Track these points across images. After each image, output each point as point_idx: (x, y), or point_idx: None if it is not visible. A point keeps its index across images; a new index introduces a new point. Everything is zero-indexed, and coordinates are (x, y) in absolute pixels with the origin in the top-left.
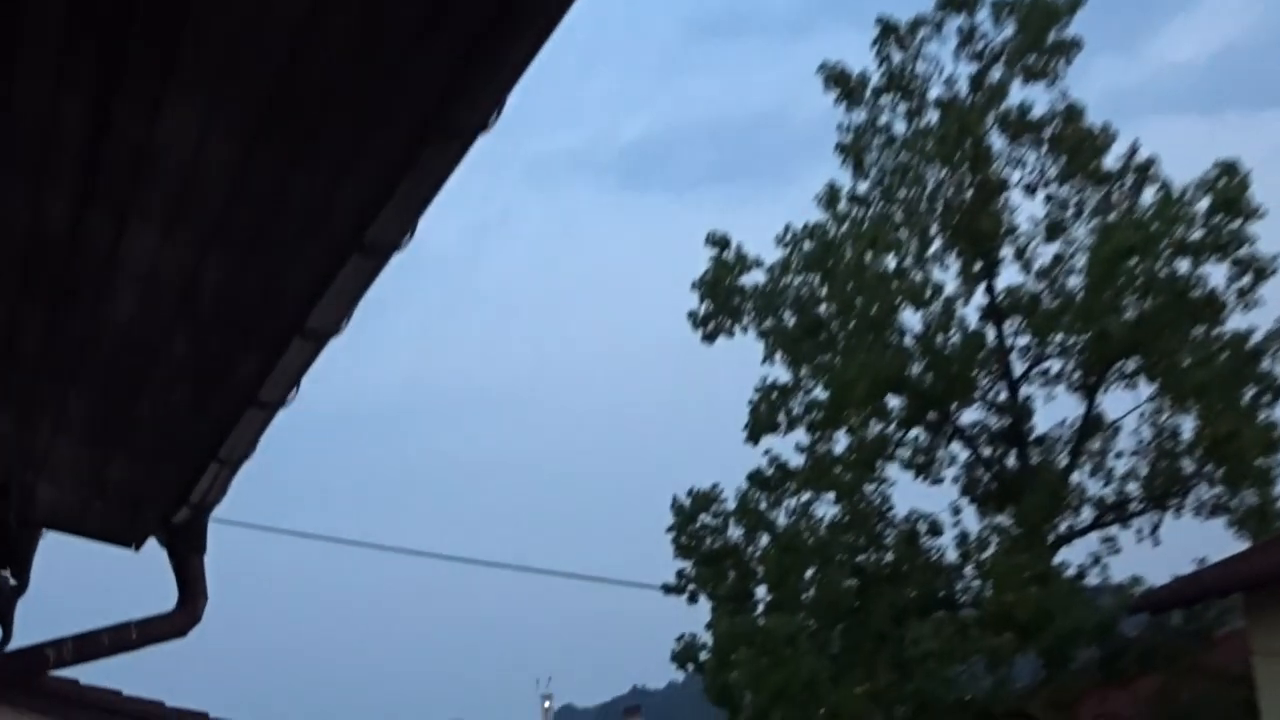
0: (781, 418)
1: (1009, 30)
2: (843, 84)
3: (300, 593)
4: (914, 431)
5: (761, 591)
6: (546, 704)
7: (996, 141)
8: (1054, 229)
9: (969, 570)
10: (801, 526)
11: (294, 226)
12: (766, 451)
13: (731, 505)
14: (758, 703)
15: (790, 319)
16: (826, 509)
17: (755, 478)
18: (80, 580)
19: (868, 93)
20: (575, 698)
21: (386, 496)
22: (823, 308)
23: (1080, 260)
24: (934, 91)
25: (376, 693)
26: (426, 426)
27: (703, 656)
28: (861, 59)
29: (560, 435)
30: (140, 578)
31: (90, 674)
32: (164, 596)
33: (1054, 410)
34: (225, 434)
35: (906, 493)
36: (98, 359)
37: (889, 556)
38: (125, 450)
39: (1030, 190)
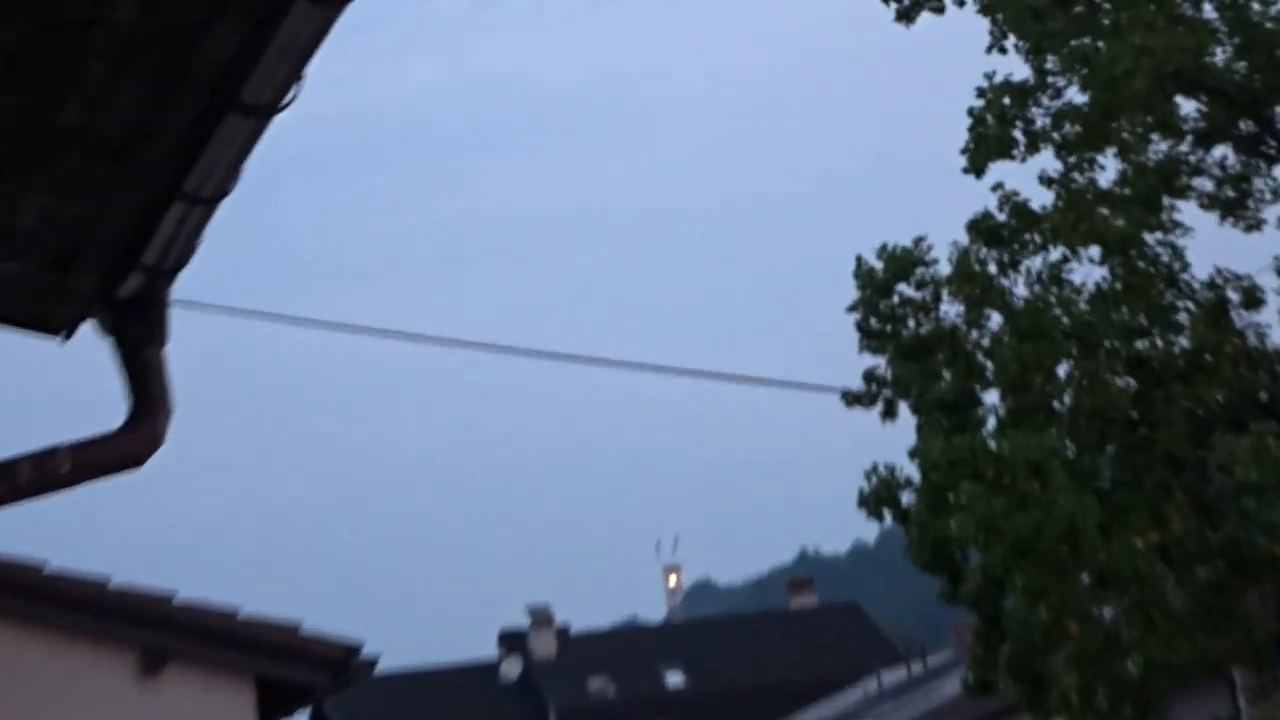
0: (1018, 134)
1: None
2: None
3: (363, 399)
4: (1219, 151)
5: (993, 398)
6: (673, 580)
7: None
8: None
9: None
10: (1051, 299)
11: None
12: (996, 187)
13: (945, 269)
14: (991, 562)
15: None
16: (1088, 272)
17: (980, 227)
18: None
19: None
20: (715, 571)
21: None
22: None
23: None
24: None
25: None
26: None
27: (905, 499)
28: None
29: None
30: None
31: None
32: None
33: None
34: (193, 152)
35: (1209, 244)
36: None
37: (1183, 342)
38: (44, 180)
39: None
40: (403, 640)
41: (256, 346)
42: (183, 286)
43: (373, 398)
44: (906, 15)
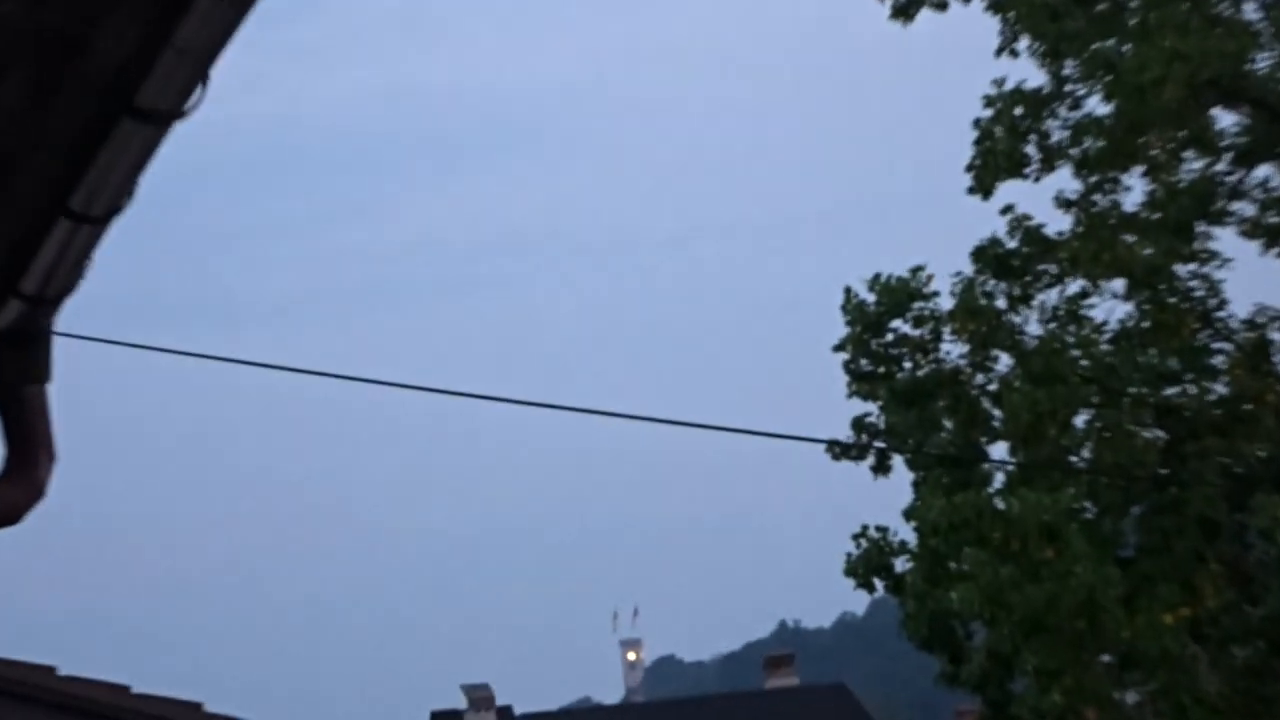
0: (1032, 150)
1: None
2: None
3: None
4: (1262, 171)
5: (1001, 451)
6: (633, 655)
7: None
8: None
9: None
10: (1069, 338)
11: None
12: (1006, 210)
13: (948, 303)
14: (997, 639)
15: None
16: (1111, 308)
17: (987, 255)
18: None
19: None
20: (680, 646)
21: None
22: None
23: None
24: None
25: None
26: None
27: (899, 566)
28: None
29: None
30: None
31: None
32: None
33: None
34: (81, 164)
35: (1250, 277)
36: None
37: (1220, 389)
38: None
39: None
40: None
41: (156, 382)
42: (68, 317)
43: (281, 439)
44: (904, 12)
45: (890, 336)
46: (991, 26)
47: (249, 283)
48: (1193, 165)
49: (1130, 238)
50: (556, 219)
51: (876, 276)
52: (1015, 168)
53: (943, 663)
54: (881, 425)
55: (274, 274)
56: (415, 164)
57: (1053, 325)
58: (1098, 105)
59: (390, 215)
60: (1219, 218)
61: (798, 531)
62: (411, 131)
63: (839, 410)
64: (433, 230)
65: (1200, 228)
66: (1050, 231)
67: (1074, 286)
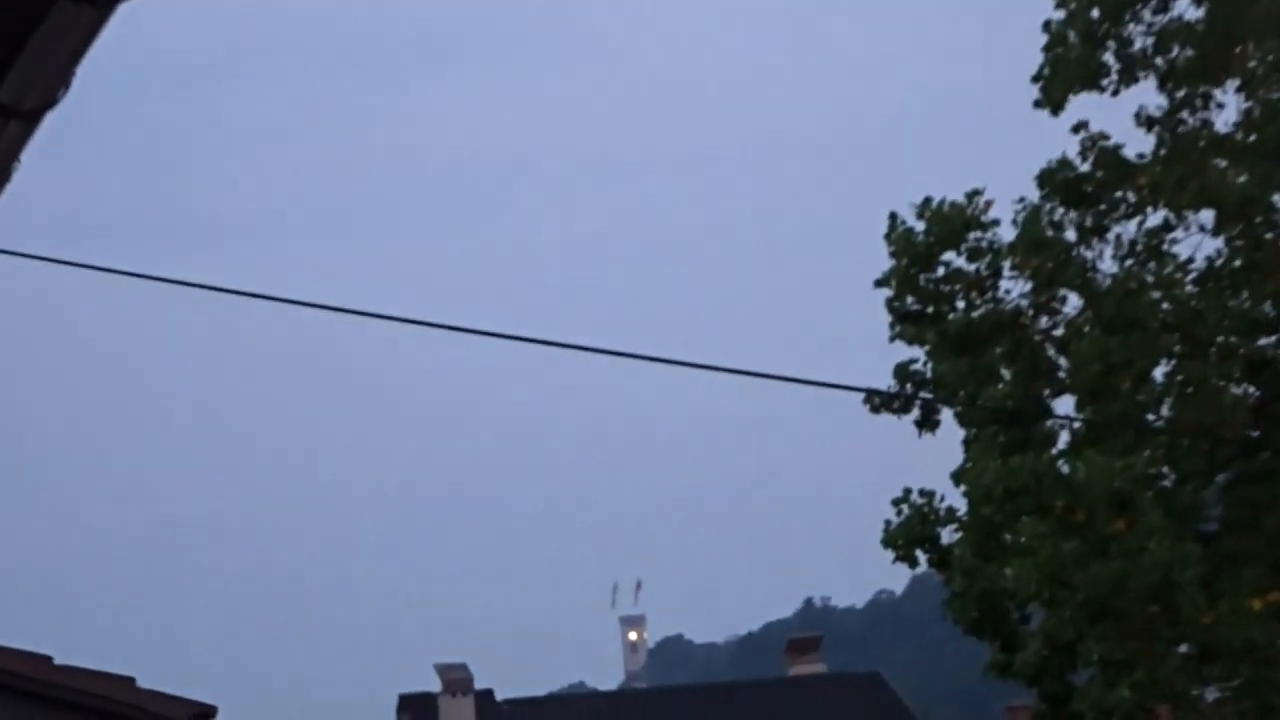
0: (1110, 58)
1: None
2: None
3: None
4: None
5: (1067, 406)
6: (634, 635)
7: None
8: None
9: None
10: (1148, 277)
11: None
12: (1078, 128)
13: (1008, 235)
14: (1057, 624)
15: None
16: (1197, 243)
17: (1055, 179)
18: None
19: None
20: (689, 626)
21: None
22: None
23: None
24: None
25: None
26: None
27: (945, 538)
28: None
29: None
30: None
31: None
32: None
33: None
34: (10, 51)
35: None
36: None
37: None
38: None
39: None
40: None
41: (95, 306)
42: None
43: (233, 383)
44: None
45: (941, 271)
46: None
47: (207, 198)
48: None
49: (1221, 163)
50: (555, 135)
51: (927, 201)
52: (1090, 79)
53: (993, 650)
54: (928, 374)
55: (236, 189)
56: (401, 68)
57: (1129, 262)
58: (1188, 8)
59: (365, 126)
60: None
61: (828, 496)
62: (396, 32)
63: (880, 356)
64: (418, 142)
65: None
66: (1129, 154)
67: (1155, 218)
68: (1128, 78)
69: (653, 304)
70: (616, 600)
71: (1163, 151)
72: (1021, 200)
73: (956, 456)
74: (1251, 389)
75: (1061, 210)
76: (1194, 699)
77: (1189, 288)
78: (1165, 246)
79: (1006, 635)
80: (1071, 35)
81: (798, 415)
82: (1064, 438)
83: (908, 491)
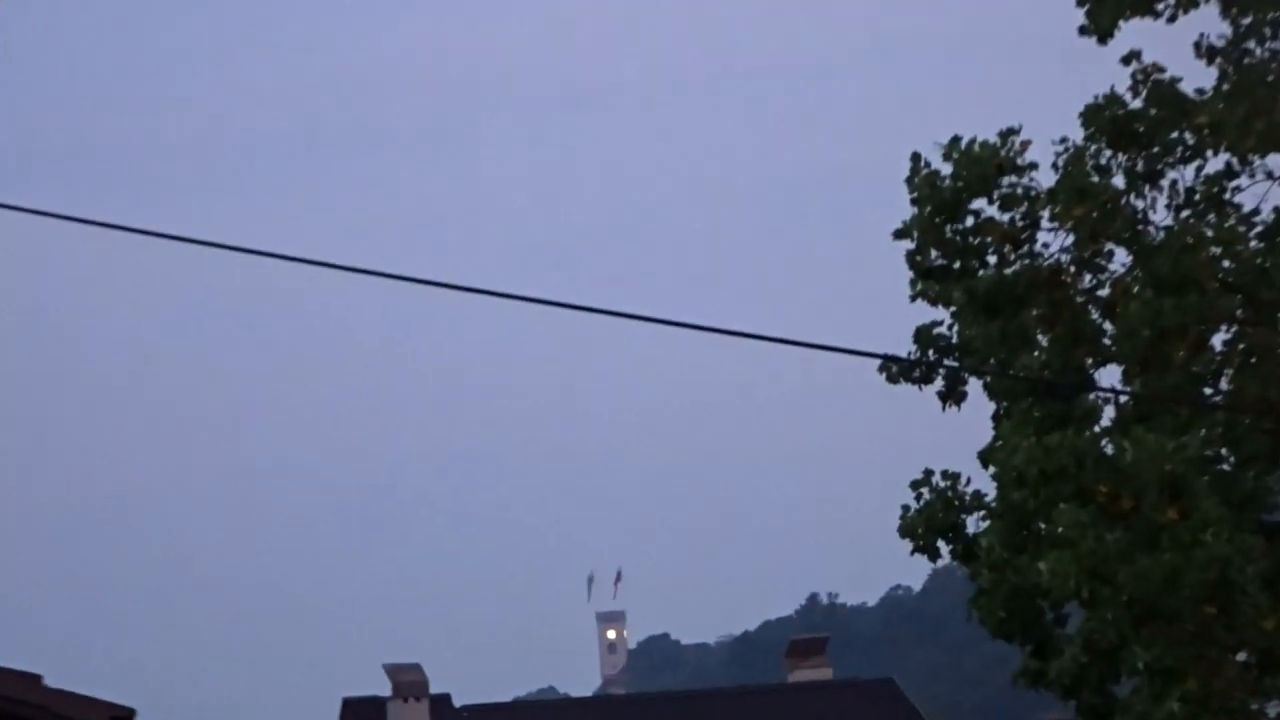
0: None
1: None
2: None
3: None
4: None
5: (1113, 376)
6: (613, 634)
7: None
8: None
9: None
10: (1206, 230)
11: None
12: (1129, 59)
13: (1047, 180)
14: (1099, 626)
15: None
16: (1264, 192)
17: (1101, 116)
18: None
19: None
20: (676, 624)
21: None
22: None
23: None
24: None
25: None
26: None
27: (971, 526)
28: None
29: None
30: None
31: None
32: None
33: None
34: None
35: None
36: None
37: None
38: None
39: None
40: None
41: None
42: None
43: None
44: None
45: (970, 222)
46: None
47: (134, 129)
48: None
49: None
50: (511, 61)
51: (955, 141)
52: (1143, 2)
53: (1024, 656)
54: (954, 339)
55: (163, 118)
56: None
57: (1186, 214)
58: None
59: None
60: None
61: (837, 478)
62: None
63: (899, 317)
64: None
65: None
66: (1187, 88)
67: (1216, 163)
68: (1187, 1)
69: (639, 256)
70: (592, 593)
71: (1225, 87)
72: (1063, 141)
73: (985, 434)
74: None
75: (1109, 153)
76: (1253, 713)
77: (1253, 243)
78: (1227, 196)
79: (1039, 638)
80: None
81: (801, 386)
82: (1109, 413)
83: (929, 473)
